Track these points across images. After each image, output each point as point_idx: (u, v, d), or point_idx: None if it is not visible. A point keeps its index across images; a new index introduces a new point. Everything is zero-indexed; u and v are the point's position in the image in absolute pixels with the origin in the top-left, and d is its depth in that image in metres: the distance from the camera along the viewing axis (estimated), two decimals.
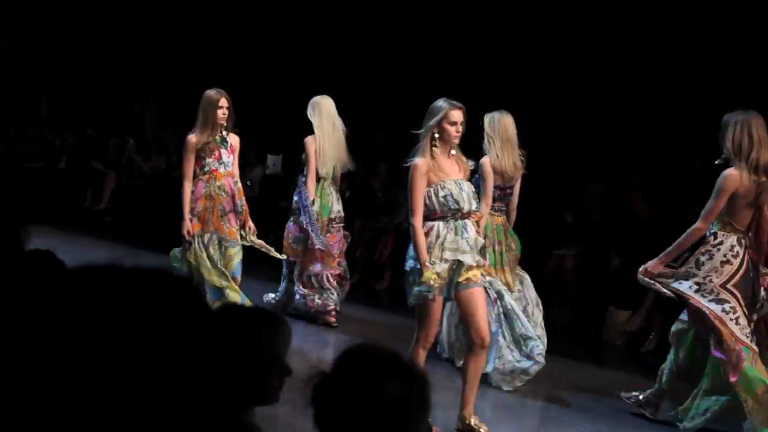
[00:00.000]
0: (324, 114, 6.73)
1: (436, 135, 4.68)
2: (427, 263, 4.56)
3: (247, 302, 6.01)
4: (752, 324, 4.73)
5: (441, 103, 4.74)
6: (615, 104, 9.72)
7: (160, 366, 1.16)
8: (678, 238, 4.86)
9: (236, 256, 6.26)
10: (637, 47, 9.49)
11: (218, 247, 6.24)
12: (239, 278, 6.27)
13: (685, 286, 4.75)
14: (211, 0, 13.34)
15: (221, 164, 6.26)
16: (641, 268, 4.95)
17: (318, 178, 6.75)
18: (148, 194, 11.03)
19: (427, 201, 4.65)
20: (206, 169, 6.24)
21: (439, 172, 4.68)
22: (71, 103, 13.53)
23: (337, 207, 6.85)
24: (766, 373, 4.61)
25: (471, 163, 4.87)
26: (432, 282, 4.52)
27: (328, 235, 6.78)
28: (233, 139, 6.37)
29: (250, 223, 6.39)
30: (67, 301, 1.18)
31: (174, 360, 1.18)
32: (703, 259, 4.77)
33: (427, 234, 4.65)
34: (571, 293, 7.75)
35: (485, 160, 5.65)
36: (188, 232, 6.20)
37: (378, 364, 1.39)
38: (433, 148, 4.68)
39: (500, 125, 5.67)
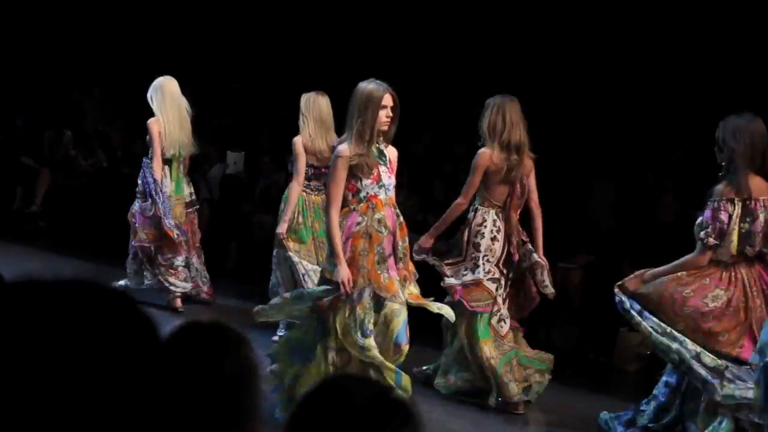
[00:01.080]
0: (167, 95, 7.31)
1: None
2: None
3: (405, 381, 4.97)
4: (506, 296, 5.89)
5: None
6: (620, 99, 9.83)
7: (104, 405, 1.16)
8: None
9: (401, 314, 4.99)
10: (641, 40, 9.67)
11: (372, 305, 4.95)
12: (405, 345, 5.02)
13: (469, 277, 5.78)
14: None
15: (381, 188, 5.04)
16: (415, 245, 5.81)
17: (167, 161, 7.39)
18: (89, 195, 10.98)
19: None
20: (362, 194, 5.01)
21: None
22: None
23: (187, 190, 7.56)
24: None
25: None
26: None
27: (184, 221, 7.49)
28: (391, 153, 5.19)
29: (407, 272, 5.14)
30: (8, 320, 1.18)
31: (120, 395, 1.19)
32: (477, 240, 5.80)
33: None
34: (578, 312, 7.80)
35: (297, 139, 6.56)
36: (349, 281, 4.85)
37: (367, 403, 1.40)
38: None
39: (314, 106, 6.57)
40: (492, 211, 5.82)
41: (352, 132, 4.96)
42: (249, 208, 9.79)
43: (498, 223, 5.81)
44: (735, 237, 4.90)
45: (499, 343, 5.83)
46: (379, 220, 4.97)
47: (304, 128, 6.56)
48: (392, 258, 4.99)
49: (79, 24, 13.72)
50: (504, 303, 5.86)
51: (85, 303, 1.24)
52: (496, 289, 5.80)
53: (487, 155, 5.75)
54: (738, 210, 4.90)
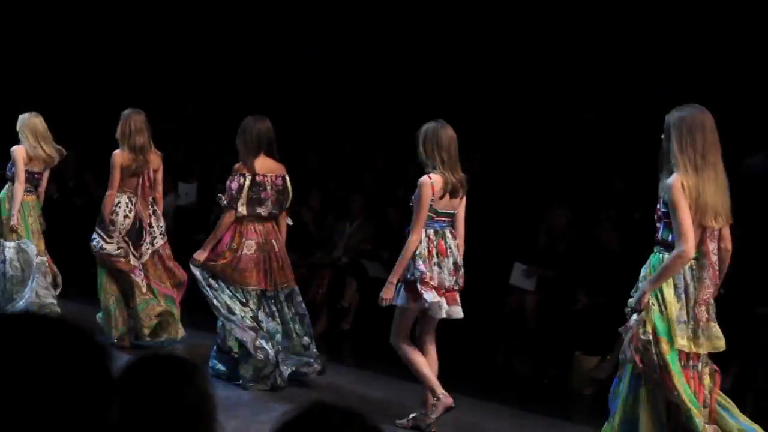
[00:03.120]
0: None
1: None
2: None
3: None
4: (140, 261, 7.59)
5: None
6: (579, 118, 9.96)
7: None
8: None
9: None
10: (603, 58, 9.80)
11: None
12: None
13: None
14: (104, 8, 13.34)
15: None
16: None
17: None
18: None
19: None
20: None
21: None
22: None
23: None
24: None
25: None
26: None
27: None
28: None
29: None
30: None
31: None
32: (113, 217, 7.47)
33: None
34: (533, 336, 7.88)
35: (20, 149, 8.02)
36: None
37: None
38: None
39: (29, 124, 8.05)
40: (125, 196, 7.51)
41: None
42: (202, 237, 9.73)
43: (129, 206, 7.52)
44: (242, 201, 6.65)
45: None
46: None
47: (25, 141, 8.01)
48: None
49: (27, 56, 13.62)
50: (139, 261, 7.57)
51: (37, 334, 1.27)
52: (126, 255, 7.53)
53: (119, 155, 7.46)
54: (248, 182, 6.63)
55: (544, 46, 10.25)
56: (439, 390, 5.84)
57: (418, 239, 5.71)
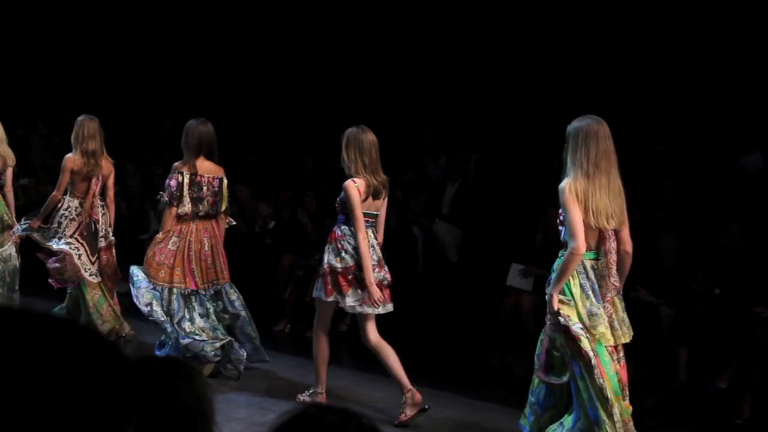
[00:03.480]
0: None
1: None
2: None
3: None
4: (95, 259, 7.79)
5: None
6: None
7: None
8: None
9: None
10: (598, 60, 9.82)
11: None
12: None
13: (56, 243, 7.71)
14: (101, 16, 13.35)
15: None
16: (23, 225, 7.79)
17: None
18: None
19: None
20: None
21: None
22: None
23: None
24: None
25: None
26: None
27: None
28: None
29: None
30: None
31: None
32: (61, 220, 7.74)
33: None
34: (530, 336, 7.88)
35: None
36: None
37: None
38: None
39: None
40: (76, 201, 7.79)
41: None
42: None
43: (79, 209, 7.78)
44: (187, 200, 6.86)
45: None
46: None
47: None
48: None
49: (28, 58, 13.63)
50: (94, 263, 7.78)
51: (62, 337, 1.27)
52: (79, 256, 7.70)
53: (71, 159, 7.72)
54: (187, 180, 6.85)
55: (538, 50, 10.27)
56: (322, 387, 6.31)
57: (365, 237, 6.02)
